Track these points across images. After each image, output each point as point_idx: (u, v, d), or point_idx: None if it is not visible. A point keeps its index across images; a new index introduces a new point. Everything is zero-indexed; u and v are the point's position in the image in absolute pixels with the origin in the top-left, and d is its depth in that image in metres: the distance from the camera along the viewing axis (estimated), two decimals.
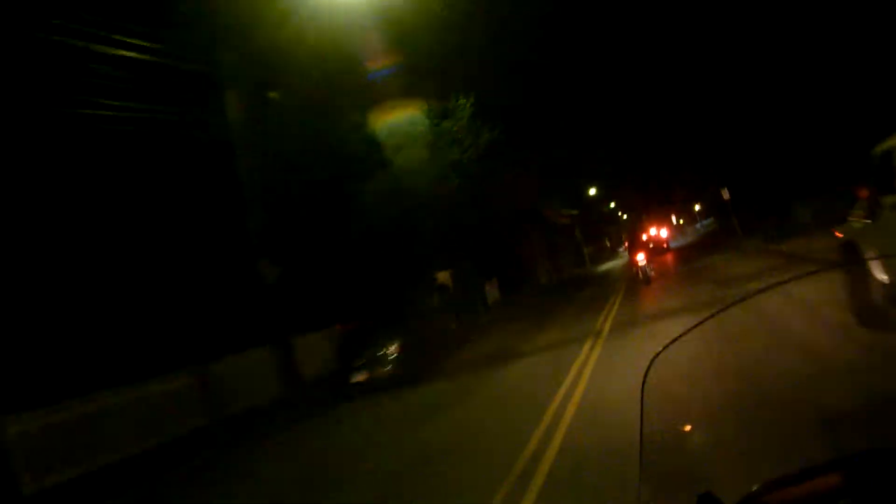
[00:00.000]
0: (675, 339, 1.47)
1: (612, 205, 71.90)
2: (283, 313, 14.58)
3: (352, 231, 18.63)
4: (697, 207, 70.73)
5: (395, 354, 14.20)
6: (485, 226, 27.49)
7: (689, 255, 29.05)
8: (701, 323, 1.57)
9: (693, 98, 28.99)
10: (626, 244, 32.13)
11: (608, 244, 79.54)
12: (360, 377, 14.02)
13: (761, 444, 1.72)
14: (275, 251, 14.49)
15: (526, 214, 33.40)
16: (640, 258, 19.50)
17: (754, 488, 1.00)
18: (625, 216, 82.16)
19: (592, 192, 53.88)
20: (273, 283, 14.22)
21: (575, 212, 48.32)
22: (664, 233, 41.87)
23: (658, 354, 1.43)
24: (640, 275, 19.40)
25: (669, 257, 32.48)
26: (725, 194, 26.54)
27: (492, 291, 30.76)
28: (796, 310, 4.79)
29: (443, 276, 28.54)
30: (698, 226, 66.97)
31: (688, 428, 1.76)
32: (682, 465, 1.55)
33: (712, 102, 27.46)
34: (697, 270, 19.87)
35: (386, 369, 13.87)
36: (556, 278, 39.11)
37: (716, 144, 30.41)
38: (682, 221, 77.75)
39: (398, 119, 18.99)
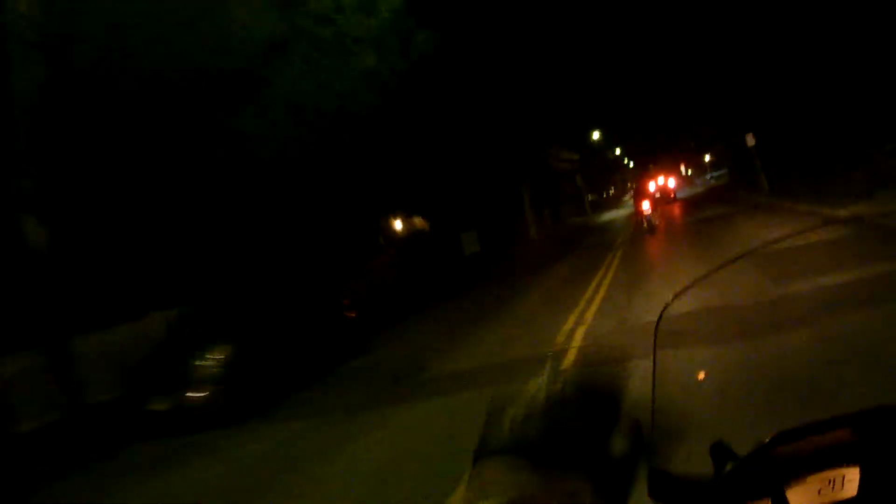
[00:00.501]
0: (686, 288, 1.40)
1: (618, 151, 66.87)
2: (61, 298, 9.69)
3: (218, 167, 13.16)
4: (707, 158, 65.81)
5: (218, 368, 8.31)
6: (448, 166, 22.74)
7: (699, 207, 27.35)
8: (714, 272, 1.57)
9: (708, 33, 25.64)
10: (632, 192, 33.37)
11: (612, 192, 74.83)
12: (159, 404, 8.25)
13: (775, 395, 1.76)
14: (49, 202, 9.59)
15: (508, 157, 28.53)
16: (646, 207, 19.32)
17: (767, 439, 0.98)
18: (631, 164, 77.30)
19: (596, 136, 48.70)
20: (43, 250, 9.39)
21: (576, 156, 43.60)
22: (672, 182, 39.23)
23: (670, 303, 1.33)
24: (645, 224, 19.30)
25: (676, 208, 31.43)
26: (751, 140, 22.04)
27: (470, 245, 26.72)
28: (812, 260, 4.71)
29: (420, 223, 24.24)
30: (708, 177, 62.06)
31: (701, 376, 1.87)
32: (695, 413, 1.56)
33: (731, 36, 23.97)
34: (708, 222, 18.51)
35: (199, 395, 8.07)
36: (551, 230, 34.90)
37: (739, 82, 25.86)
38: (689, 172, 72.72)
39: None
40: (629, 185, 69.53)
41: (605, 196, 70.71)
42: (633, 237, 20.04)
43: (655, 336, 1.30)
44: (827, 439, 0.96)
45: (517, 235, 31.89)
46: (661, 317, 1.30)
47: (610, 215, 40.44)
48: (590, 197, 48.59)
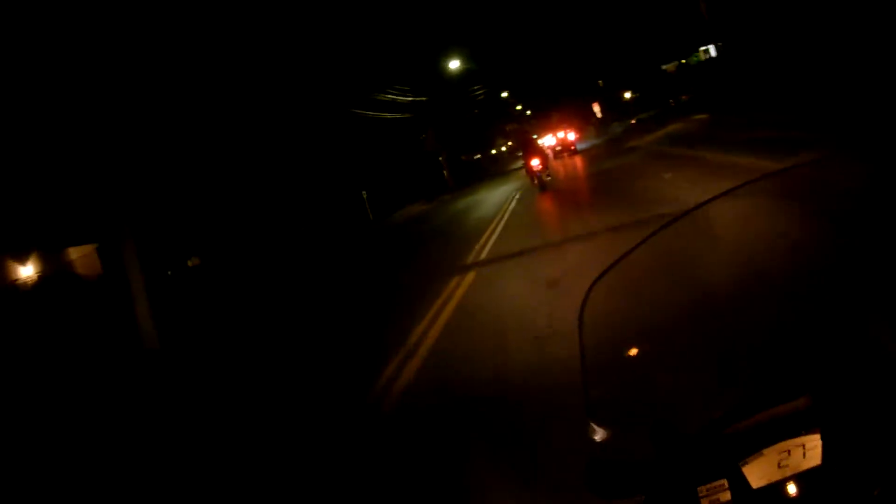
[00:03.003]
0: (614, 264, 1.39)
1: (505, 94, 52.00)
2: None
3: None
4: (628, 96, 52.73)
5: None
6: None
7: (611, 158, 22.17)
8: (642, 243, 1.45)
9: None
10: (519, 153, 27.02)
11: (504, 149, 60.25)
12: None
13: (716, 366, 1.46)
14: None
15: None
16: (535, 164, 17.80)
17: (716, 416, 0.96)
18: (528, 112, 63.03)
19: (455, 65, 32.61)
20: None
21: (422, 97, 28.06)
22: (571, 135, 33.99)
23: (597, 280, 1.35)
24: (536, 181, 17.80)
25: (578, 162, 27.39)
26: None
27: None
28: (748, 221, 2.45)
29: None
30: (633, 121, 48.67)
31: (633, 352, 1.56)
32: (632, 393, 1.42)
33: None
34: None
35: None
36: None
37: None
38: (600, 117, 58.94)
39: None
40: (510, 141, 55.77)
41: (493, 155, 56.53)
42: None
43: (581, 322, 1.25)
44: (782, 408, 0.91)
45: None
46: (585, 300, 1.26)
47: (488, 190, 26.86)
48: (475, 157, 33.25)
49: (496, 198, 21.58)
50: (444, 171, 31.08)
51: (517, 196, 19.29)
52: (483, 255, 10.36)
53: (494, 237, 12.05)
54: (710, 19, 28.81)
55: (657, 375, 1.48)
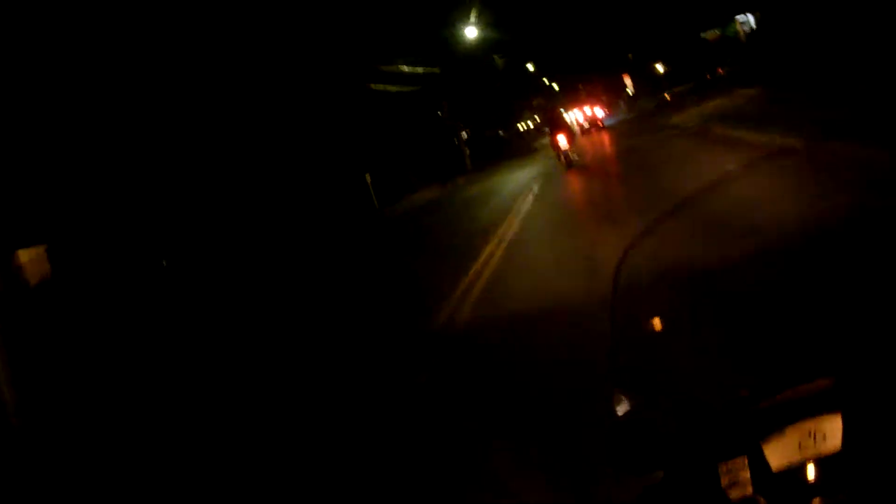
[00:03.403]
0: (646, 232, 1.45)
1: (532, 67, 48.92)
2: None
3: None
4: (661, 68, 49.90)
5: None
6: None
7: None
8: (668, 215, 1.69)
9: None
10: (545, 128, 25.61)
11: (531, 126, 57.58)
12: None
13: (742, 343, 1.57)
14: None
15: None
16: (562, 141, 17.15)
17: (741, 393, 0.96)
18: (555, 85, 60.13)
19: (471, 34, 29.30)
20: None
21: (435, 69, 25.37)
22: (599, 111, 33.38)
23: (628, 250, 1.35)
24: (563, 159, 17.15)
25: (605, 137, 26.48)
26: None
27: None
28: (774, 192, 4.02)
29: None
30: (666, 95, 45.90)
31: (662, 323, 1.54)
32: (659, 364, 1.44)
33: None
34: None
35: None
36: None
37: None
38: (632, 91, 55.65)
39: None
40: (537, 116, 53.12)
41: (519, 131, 53.84)
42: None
43: (614, 292, 1.27)
44: (804, 388, 0.92)
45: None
46: (617, 270, 1.30)
47: (510, 171, 23.68)
48: (465, 135, 30.50)
49: (516, 181, 19.26)
50: (463, 150, 28.29)
51: (540, 179, 17.33)
52: (485, 275, 8.08)
53: (505, 244, 9.68)
54: None
55: (684, 348, 1.53)
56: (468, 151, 28.48)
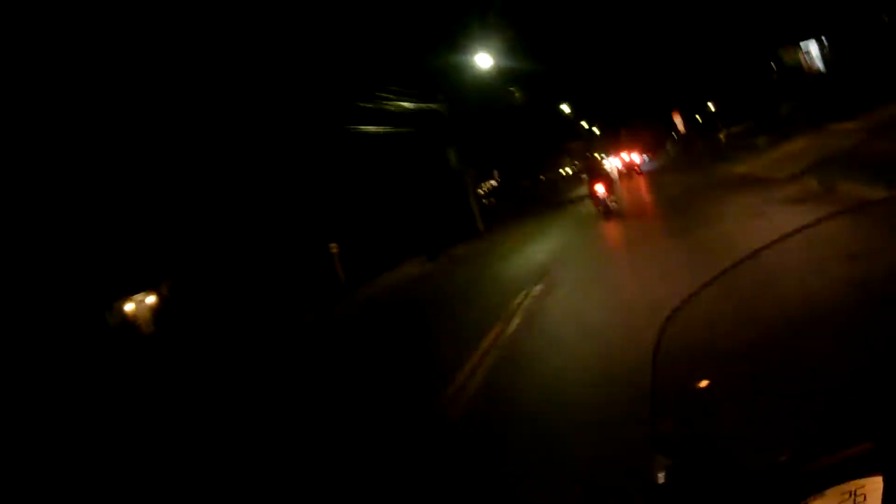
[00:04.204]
0: (690, 297, 1.42)
1: (567, 109, 44.11)
2: None
3: None
4: (712, 107, 45.34)
5: None
6: None
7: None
8: (719, 277, 1.53)
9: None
10: (583, 175, 24.43)
11: (568, 172, 53.09)
12: None
13: (782, 406, 1.39)
14: None
15: None
16: (600, 190, 16.76)
17: (783, 458, 0.97)
18: (595, 129, 55.59)
19: (485, 62, 24.07)
20: None
21: (434, 104, 20.56)
22: (636, 157, 33.72)
23: (674, 312, 1.35)
24: (601, 209, 16.72)
25: (642, 183, 26.24)
26: None
27: None
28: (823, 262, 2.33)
29: None
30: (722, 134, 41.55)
31: (704, 384, 1.55)
32: (698, 427, 1.41)
33: None
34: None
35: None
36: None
37: None
38: (679, 133, 50.58)
39: None
40: (576, 164, 48.70)
41: (556, 176, 49.08)
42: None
43: (656, 355, 1.27)
44: (845, 452, 0.92)
45: None
46: (661, 333, 1.29)
47: (527, 236, 18.38)
48: (488, 185, 25.24)
49: (530, 257, 13.93)
50: (472, 206, 22.54)
51: (565, 253, 12.69)
52: None
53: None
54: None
55: (724, 410, 1.46)
56: (478, 209, 22.76)
